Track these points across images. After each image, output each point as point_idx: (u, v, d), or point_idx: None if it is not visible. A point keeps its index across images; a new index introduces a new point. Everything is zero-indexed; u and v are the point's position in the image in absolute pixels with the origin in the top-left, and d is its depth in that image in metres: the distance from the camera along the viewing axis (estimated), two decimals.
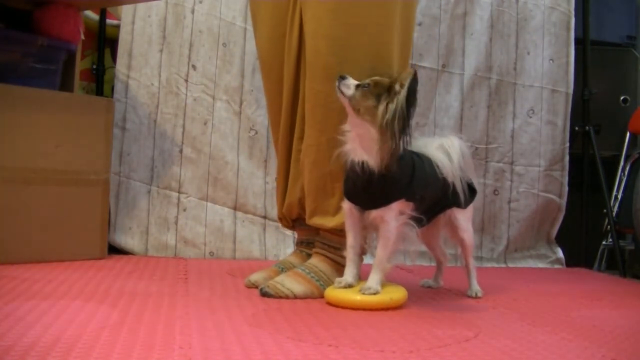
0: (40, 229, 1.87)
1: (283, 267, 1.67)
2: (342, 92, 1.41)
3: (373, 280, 1.45)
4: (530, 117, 2.52)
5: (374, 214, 1.44)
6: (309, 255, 1.66)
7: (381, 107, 1.37)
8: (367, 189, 1.43)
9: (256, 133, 2.31)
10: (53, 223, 1.90)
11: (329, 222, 1.57)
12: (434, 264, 1.90)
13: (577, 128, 2.56)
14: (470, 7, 2.46)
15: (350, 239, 1.50)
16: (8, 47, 1.91)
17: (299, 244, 1.75)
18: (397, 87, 1.37)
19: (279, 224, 1.88)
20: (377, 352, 1.05)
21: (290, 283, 1.53)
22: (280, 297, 1.50)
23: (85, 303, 1.31)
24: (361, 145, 1.40)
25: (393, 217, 1.44)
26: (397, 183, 1.42)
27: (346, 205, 1.49)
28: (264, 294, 1.51)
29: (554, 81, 2.54)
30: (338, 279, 1.50)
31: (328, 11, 1.50)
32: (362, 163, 1.40)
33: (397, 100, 1.35)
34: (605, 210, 2.47)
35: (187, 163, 2.26)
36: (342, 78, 1.41)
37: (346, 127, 1.44)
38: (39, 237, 1.87)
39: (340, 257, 1.57)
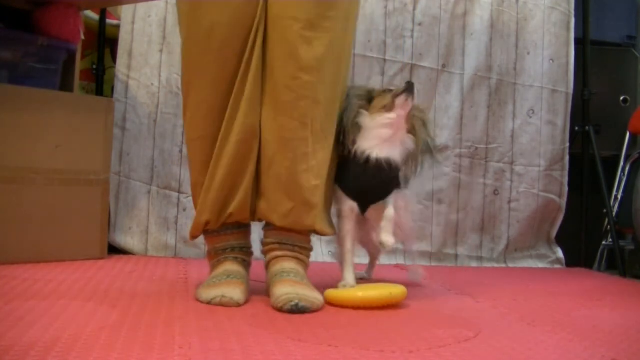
0: (40, 229, 1.87)
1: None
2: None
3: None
4: (530, 117, 2.52)
5: (379, 205, 1.51)
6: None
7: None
8: (383, 183, 1.50)
9: None
10: (53, 223, 1.90)
11: (278, 221, 1.48)
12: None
13: (577, 128, 2.56)
14: (470, 7, 2.46)
15: (349, 244, 1.52)
16: (8, 47, 1.91)
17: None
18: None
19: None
20: (377, 352, 1.05)
21: (310, 292, 1.41)
22: (314, 311, 1.36)
23: (85, 303, 1.31)
24: (390, 144, 1.49)
25: (391, 202, 1.51)
26: (398, 174, 1.52)
27: (348, 206, 1.49)
28: (301, 309, 1.33)
29: (554, 81, 2.54)
30: (342, 283, 1.51)
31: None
32: (389, 160, 1.48)
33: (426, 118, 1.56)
34: (605, 210, 2.47)
35: (187, 163, 2.26)
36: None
37: (374, 124, 1.49)
38: (39, 237, 1.87)
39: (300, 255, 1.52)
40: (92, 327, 1.11)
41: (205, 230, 1.51)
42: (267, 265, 1.50)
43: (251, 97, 1.43)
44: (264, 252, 1.52)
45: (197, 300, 1.39)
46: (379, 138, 1.48)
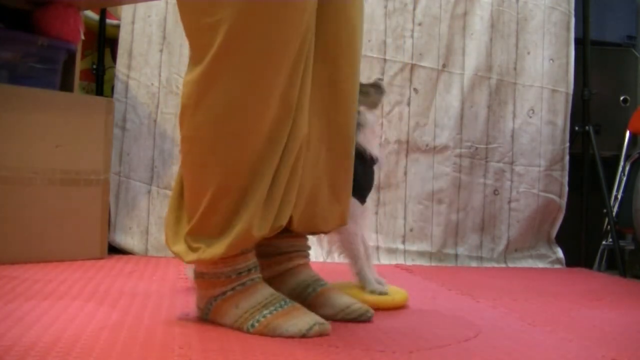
0: (40, 229, 1.87)
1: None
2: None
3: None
4: (530, 117, 2.52)
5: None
6: None
7: None
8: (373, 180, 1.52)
9: None
10: (53, 223, 1.90)
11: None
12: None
13: (577, 128, 2.56)
14: (470, 7, 2.46)
15: (361, 246, 1.47)
16: (8, 47, 1.92)
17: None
18: None
19: None
20: (378, 352, 1.05)
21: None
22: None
23: (85, 303, 1.31)
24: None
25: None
26: None
27: (354, 206, 1.43)
28: (370, 318, 1.30)
29: (554, 81, 2.54)
30: (370, 289, 1.45)
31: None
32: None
33: None
34: (605, 210, 2.47)
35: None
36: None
37: (373, 121, 1.47)
38: (39, 237, 1.87)
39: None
40: (92, 327, 1.11)
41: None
42: (285, 273, 1.34)
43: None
44: (278, 261, 1.34)
45: (281, 335, 1.13)
46: (374, 134, 1.47)
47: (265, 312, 1.16)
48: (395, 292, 1.48)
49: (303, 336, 1.12)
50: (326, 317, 1.22)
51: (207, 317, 1.21)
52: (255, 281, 1.21)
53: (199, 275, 1.22)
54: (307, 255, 1.38)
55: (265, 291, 1.21)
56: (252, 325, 1.14)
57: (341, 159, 1.32)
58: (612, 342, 1.23)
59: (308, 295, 1.29)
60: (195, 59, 1.16)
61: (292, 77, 1.16)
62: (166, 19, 2.29)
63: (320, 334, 1.14)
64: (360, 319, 1.27)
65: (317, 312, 1.22)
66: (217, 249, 1.15)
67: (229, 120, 1.14)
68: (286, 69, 1.15)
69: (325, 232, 1.38)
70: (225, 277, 1.19)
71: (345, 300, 1.30)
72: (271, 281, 1.27)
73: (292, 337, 1.12)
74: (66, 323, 1.12)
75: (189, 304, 1.37)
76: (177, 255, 1.20)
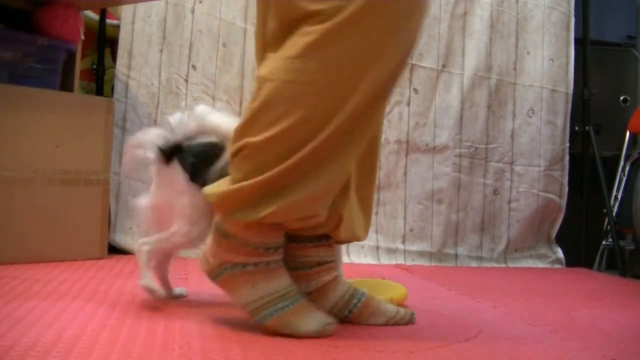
0: (40, 229, 1.87)
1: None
2: None
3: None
4: (530, 117, 2.52)
5: None
6: None
7: None
8: None
9: None
10: (53, 223, 1.90)
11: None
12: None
13: (577, 128, 2.56)
14: (470, 7, 2.46)
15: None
16: (8, 47, 1.92)
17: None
18: None
19: None
20: (378, 352, 1.05)
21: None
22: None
23: (85, 303, 1.31)
24: None
25: None
26: None
27: None
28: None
29: (554, 81, 2.54)
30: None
31: None
32: None
33: None
34: (605, 210, 2.47)
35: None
36: None
37: None
38: (39, 237, 1.87)
39: None
40: (92, 327, 1.11)
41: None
42: (328, 285, 1.27)
43: None
44: (318, 272, 1.27)
45: (292, 332, 1.13)
46: None
47: (280, 305, 1.13)
48: (395, 288, 1.49)
49: (317, 335, 1.13)
50: (376, 326, 1.25)
51: (216, 279, 1.17)
52: (278, 264, 1.17)
53: (222, 234, 1.15)
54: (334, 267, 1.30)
55: (284, 280, 1.17)
56: (265, 318, 1.13)
57: (371, 168, 1.30)
58: (612, 342, 1.23)
59: (354, 306, 1.27)
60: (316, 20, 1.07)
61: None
62: (166, 19, 2.29)
63: (330, 334, 1.14)
64: (408, 323, 1.29)
65: (367, 321, 1.27)
66: (260, 212, 1.09)
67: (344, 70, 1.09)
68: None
69: (359, 240, 1.31)
70: (254, 247, 1.14)
71: (391, 307, 1.31)
72: (313, 295, 1.24)
73: (305, 336, 1.12)
74: (66, 323, 1.12)
75: (189, 303, 1.37)
76: (207, 199, 1.14)
